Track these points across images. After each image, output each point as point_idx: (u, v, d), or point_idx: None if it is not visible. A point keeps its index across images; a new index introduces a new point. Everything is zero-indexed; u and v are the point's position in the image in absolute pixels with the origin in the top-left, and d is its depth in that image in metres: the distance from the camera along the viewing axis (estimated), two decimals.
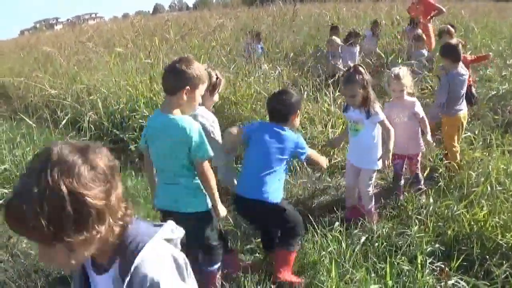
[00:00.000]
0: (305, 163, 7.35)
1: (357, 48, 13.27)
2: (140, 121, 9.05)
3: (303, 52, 15.06)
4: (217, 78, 5.29)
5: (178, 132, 4.19)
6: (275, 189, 4.89)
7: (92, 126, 9.21)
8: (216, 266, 4.78)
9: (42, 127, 10.06)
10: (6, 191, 7.48)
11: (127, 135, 9.08)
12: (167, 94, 4.36)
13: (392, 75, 6.58)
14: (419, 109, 6.58)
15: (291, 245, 5.00)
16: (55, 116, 10.35)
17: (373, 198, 6.27)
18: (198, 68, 4.34)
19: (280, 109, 5.04)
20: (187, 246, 3.80)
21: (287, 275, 4.96)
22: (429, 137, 6.62)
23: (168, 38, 13.11)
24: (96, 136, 9.31)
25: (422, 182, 6.86)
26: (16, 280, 5.46)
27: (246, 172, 5.07)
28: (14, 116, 11.72)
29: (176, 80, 4.25)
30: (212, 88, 5.23)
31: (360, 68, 5.92)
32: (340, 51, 12.68)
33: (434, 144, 7.05)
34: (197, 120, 4.63)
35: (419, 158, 6.89)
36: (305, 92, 9.88)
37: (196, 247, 4.61)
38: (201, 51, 12.30)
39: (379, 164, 5.97)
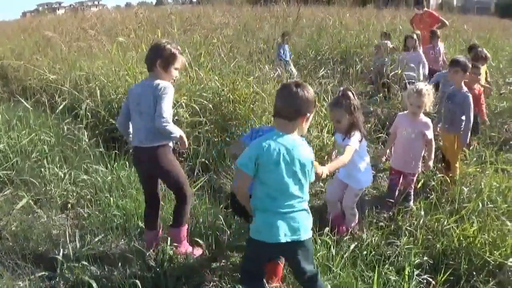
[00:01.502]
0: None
1: (419, 55, 12.48)
2: None
3: (305, 55, 15.09)
4: (171, 53, 5.45)
5: None
6: None
7: (88, 113, 9.18)
8: None
9: (38, 111, 10.03)
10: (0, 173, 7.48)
11: None
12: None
13: (414, 89, 6.56)
14: (430, 131, 6.58)
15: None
16: (52, 101, 10.34)
17: (356, 216, 6.23)
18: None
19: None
20: None
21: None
22: (430, 163, 6.68)
23: (170, 31, 13.12)
24: (92, 124, 9.28)
25: (412, 202, 6.83)
26: (3, 262, 5.45)
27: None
28: (11, 98, 11.70)
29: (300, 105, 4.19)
30: (165, 63, 5.44)
31: (349, 93, 5.68)
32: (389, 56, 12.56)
33: (433, 171, 7.09)
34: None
35: (414, 178, 6.84)
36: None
37: None
38: (202, 47, 12.29)
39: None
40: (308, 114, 4.27)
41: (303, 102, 4.16)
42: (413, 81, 11.01)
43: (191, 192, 5.81)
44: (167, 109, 5.21)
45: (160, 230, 5.90)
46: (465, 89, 7.25)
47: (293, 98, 4.15)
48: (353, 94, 5.74)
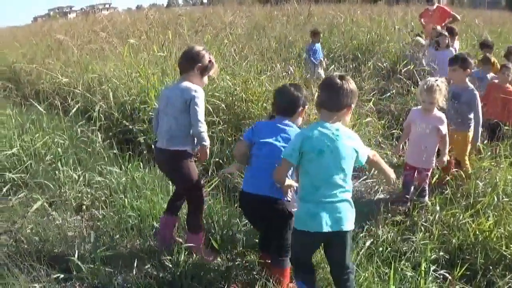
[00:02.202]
0: None
1: (453, 51, 11.89)
2: (150, 113, 9.02)
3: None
4: (209, 61, 5.69)
5: None
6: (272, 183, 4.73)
7: (102, 116, 9.20)
8: None
9: (51, 114, 10.06)
10: (13, 176, 7.50)
11: (136, 127, 9.07)
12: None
13: (425, 86, 6.53)
14: (444, 126, 6.54)
15: (284, 263, 4.94)
16: (65, 104, 10.36)
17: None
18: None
19: (288, 103, 4.96)
20: None
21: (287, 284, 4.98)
22: (445, 158, 6.62)
23: (181, 32, 13.12)
24: (106, 126, 9.31)
25: (427, 197, 6.73)
26: (19, 265, 5.45)
27: (252, 169, 5.00)
28: (24, 102, 11.74)
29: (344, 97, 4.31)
30: (203, 69, 5.66)
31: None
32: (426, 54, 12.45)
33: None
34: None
35: (428, 173, 6.77)
36: (316, 93, 9.90)
37: None
38: (214, 47, 12.29)
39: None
40: (352, 106, 4.41)
41: (347, 94, 4.28)
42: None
43: (204, 200, 5.89)
44: (202, 114, 5.46)
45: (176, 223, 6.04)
46: (471, 86, 7.19)
47: (338, 90, 4.26)
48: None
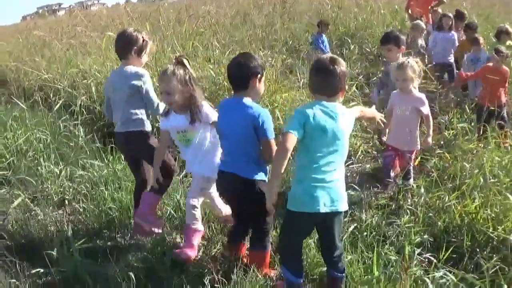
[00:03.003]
0: None
1: (455, 35, 11.92)
2: None
3: (299, 40, 15.00)
4: (143, 40, 5.80)
5: None
6: (251, 166, 4.73)
7: (84, 110, 9.14)
8: None
9: (35, 110, 9.99)
10: None
11: None
12: None
13: (396, 64, 6.46)
14: (424, 107, 6.44)
15: (265, 246, 4.91)
16: (49, 100, 10.30)
17: (198, 213, 5.47)
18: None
19: (238, 73, 4.75)
20: None
21: (268, 271, 4.92)
22: (429, 139, 6.52)
23: (161, 24, 13.04)
24: (88, 120, 9.26)
25: (412, 180, 6.60)
26: (2, 261, 5.46)
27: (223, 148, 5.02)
28: (9, 100, 11.68)
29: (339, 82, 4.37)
30: (139, 50, 5.76)
31: (184, 60, 5.36)
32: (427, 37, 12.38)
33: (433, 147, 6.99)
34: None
35: (412, 156, 6.65)
36: (302, 80, 9.85)
37: None
38: (197, 37, 12.23)
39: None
40: (345, 88, 4.50)
41: (341, 78, 4.30)
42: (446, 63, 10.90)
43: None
44: (155, 96, 5.79)
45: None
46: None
47: (332, 76, 4.26)
48: (188, 62, 5.42)
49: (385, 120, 5.43)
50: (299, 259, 4.53)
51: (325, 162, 4.17)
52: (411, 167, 6.64)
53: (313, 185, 4.14)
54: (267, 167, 4.86)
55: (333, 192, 4.17)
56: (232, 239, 5.21)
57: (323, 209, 4.11)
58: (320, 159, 4.16)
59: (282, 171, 4.16)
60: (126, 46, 5.73)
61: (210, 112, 5.29)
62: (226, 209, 5.74)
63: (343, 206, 4.26)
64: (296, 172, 4.36)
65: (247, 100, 4.67)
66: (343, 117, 4.26)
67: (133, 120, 5.69)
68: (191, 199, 5.37)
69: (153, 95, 5.73)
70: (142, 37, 5.80)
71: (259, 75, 4.73)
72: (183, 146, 5.50)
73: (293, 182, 4.39)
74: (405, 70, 6.30)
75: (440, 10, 13.15)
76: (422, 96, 6.53)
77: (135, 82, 5.60)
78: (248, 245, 5.09)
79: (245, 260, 4.99)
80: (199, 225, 5.42)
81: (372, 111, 5.01)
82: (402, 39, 7.12)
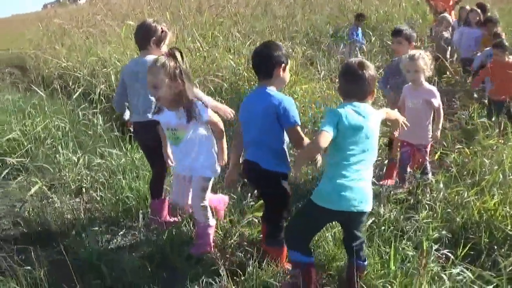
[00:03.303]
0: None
1: (478, 32, 11.63)
2: None
3: (320, 32, 14.91)
4: (162, 31, 5.80)
5: None
6: (272, 158, 4.74)
7: (103, 98, 9.14)
8: None
9: (55, 98, 10.01)
10: (13, 160, 7.44)
11: None
12: None
13: (407, 56, 6.40)
14: (435, 98, 6.38)
15: (281, 241, 4.86)
16: (69, 88, 10.33)
17: (209, 210, 5.32)
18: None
19: (261, 62, 4.78)
20: None
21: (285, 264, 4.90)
22: (438, 132, 6.46)
23: (182, 13, 13.01)
24: (108, 108, 9.26)
25: (430, 175, 6.54)
26: (18, 248, 5.43)
27: (244, 139, 4.97)
28: (29, 87, 11.73)
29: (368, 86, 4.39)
30: (158, 40, 5.75)
31: (176, 53, 4.97)
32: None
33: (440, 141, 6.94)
34: None
35: (427, 149, 6.61)
36: (322, 72, 9.82)
37: None
38: (217, 27, 12.21)
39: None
40: (374, 90, 4.45)
41: (370, 82, 4.31)
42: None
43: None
44: None
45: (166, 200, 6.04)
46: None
47: (361, 80, 4.28)
48: (182, 54, 5.03)
49: (408, 124, 5.42)
50: (306, 245, 4.50)
51: (356, 160, 4.19)
52: (427, 162, 6.57)
53: (342, 183, 4.15)
54: (288, 161, 4.85)
55: (360, 192, 4.19)
56: (263, 223, 5.23)
57: (348, 208, 4.15)
58: (351, 157, 4.18)
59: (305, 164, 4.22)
60: (145, 36, 5.73)
61: (203, 110, 5.02)
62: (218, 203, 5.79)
63: (368, 207, 4.30)
64: (326, 169, 4.37)
65: (270, 89, 4.67)
66: (373, 116, 4.30)
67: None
68: (199, 202, 5.20)
69: None
70: (161, 28, 5.79)
71: (283, 64, 4.73)
72: (172, 143, 5.33)
73: (323, 178, 4.39)
74: (417, 61, 6.28)
75: (468, 7, 13.01)
76: (433, 88, 6.49)
77: None
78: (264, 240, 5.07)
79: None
80: (211, 220, 5.32)
81: (395, 114, 4.95)
82: (414, 36, 7.03)
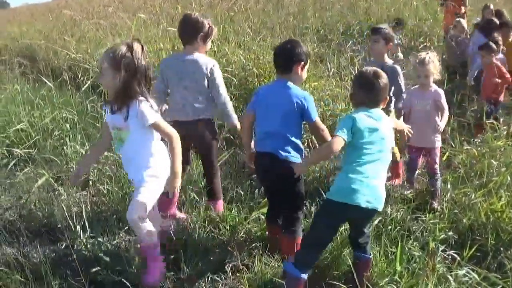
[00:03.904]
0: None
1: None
2: None
3: (330, 29, 14.87)
4: (209, 27, 5.74)
5: None
6: (289, 149, 4.80)
7: None
8: None
9: (63, 90, 10.00)
10: (21, 151, 7.45)
11: None
12: None
13: (417, 60, 6.36)
14: (442, 98, 6.33)
15: (296, 232, 4.92)
16: (78, 80, 10.32)
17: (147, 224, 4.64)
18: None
19: (283, 56, 4.94)
20: None
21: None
22: (443, 124, 6.26)
23: (193, 7, 12.98)
24: None
25: (440, 181, 6.42)
26: (24, 240, 5.51)
27: (259, 130, 5.02)
28: (38, 78, 11.72)
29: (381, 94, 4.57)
30: (205, 36, 5.72)
31: (135, 45, 4.48)
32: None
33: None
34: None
35: (437, 153, 6.47)
36: (332, 69, 9.80)
37: None
38: (228, 22, 12.20)
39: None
40: (387, 98, 4.66)
41: (383, 90, 4.51)
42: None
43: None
44: (224, 90, 5.78)
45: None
46: (389, 62, 6.73)
47: (375, 90, 4.48)
48: (141, 46, 4.54)
49: (412, 132, 5.45)
50: (315, 254, 4.50)
51: (372, 159, 4.32)
52: (437, 168, 6.45)
53: (358, 179, 4.25)
54: (303, 151, 4.92)
55: (375, 190, 4.29)
56: (268, 221, 5.31)
57: (363, 204, 4.22)
58: (367, 156, 4.31)
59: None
60: (192, 32, 5.69)
61: (149, 113, 4.49)
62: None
63: (381, 206, 4.39)
64: (343, 168, 4.47)
65: (291, 84, 4.82)
66: (385, 119, 4.52)
67: (201, 109, 5.65)
68: (134, 213, 4.52)
69: (222, 87, 5.74)
70: (208, 23, 5.76)
71: (302, 62, 4.90)
72: (118, 145, 4.76)
73: (339, 176, 4.51)
74: (428, 66, 6.24)
75: (492, 6, 12.96)
76: (439, 89, 6.41)
77: (206, 71, 5.59)
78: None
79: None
80: (154, 238, 4.70)
81: (400, 123, 5.22)
82: (393, 37, 6.92)
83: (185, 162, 5.70)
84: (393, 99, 6.46)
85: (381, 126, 4.41)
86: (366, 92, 4.50)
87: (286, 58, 4.88)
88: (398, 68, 6.61)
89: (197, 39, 5.66)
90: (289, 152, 4.74)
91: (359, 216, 4.42)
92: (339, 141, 4.24)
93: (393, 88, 6.34)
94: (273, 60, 5.12)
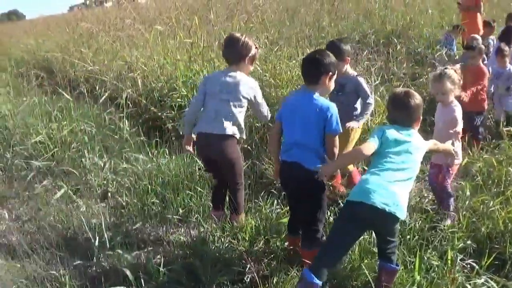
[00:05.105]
0: None
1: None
2: (179, 100, 9.00)
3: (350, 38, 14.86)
4: (256, 48, 5.88)
5: None
6: (315, 159, 4.84)
7: (130, 103, 9.17)
8: None
9: (80, 102, 10.06)
10: (39, 163, 7.50)
11: (164, 114, 9.03)
12: None
13: (433, 76, 6.10)
14: (459, 115, 5.90)
15: (316, 245, 4.88)
16: (95, 92, 10.38)
17: None
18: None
19: (311, 67, 4.98)
20: None
21: None
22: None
23: (211, 18, 12.99)
24: (134, 112, 9.30)
25: (452, 201, 6.06)
26: (40, 253, 5.50)
27: (286, 140, 5.09)
28: (55, 90, 11.78)
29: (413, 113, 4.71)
30: (253, 58, 5.87)
31: None
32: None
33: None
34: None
35: (451, 171, 6.04)
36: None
37: None
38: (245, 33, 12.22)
39: None
40: (420, 117, 4.74)
41: (416, 109, 4.64)
42: None
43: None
44: (267, 110, 6.01)
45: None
46: (353, 73, 6.65)
47: (408, 110, 4.63)
48: None
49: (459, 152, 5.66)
50: (331, 259, 4.47)
51: (394, 167, 4.40)
52: (448, 187, 6.08)
53: (375, 181, 4.32)
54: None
55: (393, 195, 4.26)
56: (289, 232, 5.35)
57: (379, 204, 4.19)
58: (389, 163, 4.42)
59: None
60: (241, 53, 5.75)
61: None
62: None
63: (401, 214, 4.31)
64: (365, 174, 4.56)
65: (317, 95, 4.87)
66: (416, 136, 4.63)
67: (232, 125, 5.67)
68: None
69: (265, 107, 5.98)
70: (255, 45, 5.87)
71: (330, 73, 4.94)
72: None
73: (360, 180, 4.61)
74: (444, 82, 5.87)
75: None
76: (458, 104, 6.03)
77: (249, 91, 5.70)
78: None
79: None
80: None
81: (446, 146, 5.22)
82: (346, 50, 6.53)
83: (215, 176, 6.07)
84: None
85: (411, 140, 4.52)
86: (398, 112, 4.67)
87: (314, 69, 4.92)
88: (361, 79, 6.58)
89: (245, 61, 5.76)
90: (316, 162, 4.76)
91: (376, 218, 4.34)
92: (370, 146, 4.40)
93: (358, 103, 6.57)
94: (300, 70, 5.14)
